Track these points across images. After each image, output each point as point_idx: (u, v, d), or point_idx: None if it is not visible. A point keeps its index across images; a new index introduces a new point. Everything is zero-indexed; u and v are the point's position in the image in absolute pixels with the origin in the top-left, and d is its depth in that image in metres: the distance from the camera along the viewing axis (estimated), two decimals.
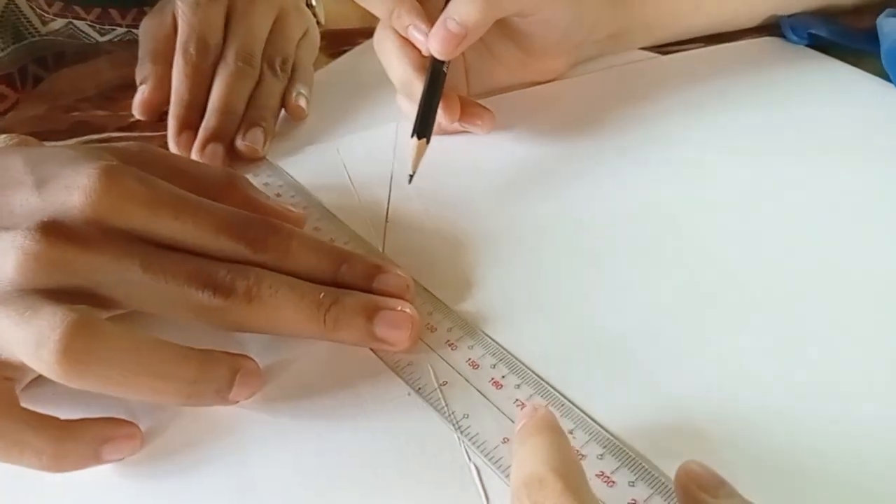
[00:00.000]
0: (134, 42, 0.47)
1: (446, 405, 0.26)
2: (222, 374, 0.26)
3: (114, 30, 0.53)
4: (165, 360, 0.25)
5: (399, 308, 0.28)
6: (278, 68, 0.43)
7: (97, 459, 0.25)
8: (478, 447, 0.25)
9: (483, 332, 0.29)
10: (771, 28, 0.48)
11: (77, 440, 0.25)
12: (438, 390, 0.27)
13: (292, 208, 0.33)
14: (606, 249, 0.32)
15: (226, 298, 0.26)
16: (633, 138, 0.39)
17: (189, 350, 0.25)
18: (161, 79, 0.43)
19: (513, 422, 0.25)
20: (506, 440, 0.25)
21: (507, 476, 0.24)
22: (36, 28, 0.51)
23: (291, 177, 0.39)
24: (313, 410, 0.27)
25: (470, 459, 0.25)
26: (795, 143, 0.38)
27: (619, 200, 0.35)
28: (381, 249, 0.33)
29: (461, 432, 0.25)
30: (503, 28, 0.37)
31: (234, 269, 0.27)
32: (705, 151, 0.38)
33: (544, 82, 0.44)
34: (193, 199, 0.28)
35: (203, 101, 0.41)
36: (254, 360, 0.27)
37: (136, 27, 0.48)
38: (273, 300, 0.27)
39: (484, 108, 0.39)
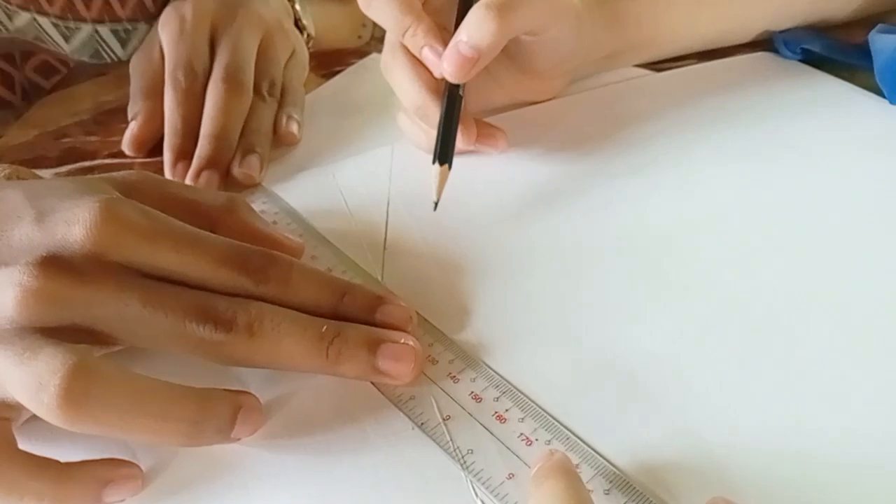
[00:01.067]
0: (113, 64, 0.47)
1: (451, 440, 0.26)
2: (223, 412, 0.25)
3: (79, 29, 0.51)
4: (165, 400, 0.24)
5: (402, 341, 0.28)
6: (266, 92, 0.43)
7: (99, 501, 0.25)
8: (483, 483, 0.25)
9: (485, 363, 0.29)
10: (764, 43, 0.49)
11: (78, 482, 0.25)
12: (442, 425, 0.26)
13: (291, 237, 0.33)
14: (607, 274, 0.32)
15: (227, 333, 0.26)
16: (630, 158, 0.39)
17: (189, 389, 0.25)
18: (151, 113, 0.42)
19: (517, 457, 0.25)
20: (511, 476, 0.25)
21: None
22: (3, 24, 0.49)
23: (287, 203, 0.38)
24: (316, 446, 0.26)
25: (477, 496, 0.24)
26: (791, 158, 0.39)
27: (619, 223, 0.35)
28: (379, 278, 0.33)
29: (466, 468, 0.25)
30: (504, 49, 0.37)
31: (235, 303, 0.27)
32: (702, 169, 0.38)
33: (540, 102, 0.44)
34: (193, 231, 0.28)
35: (197, 128, 0.40)
36: (255, 397, 0.27)
37: (101, 22, 0.48)
38: (275, 334, 0.27)
39: (497, 128, 0.39)
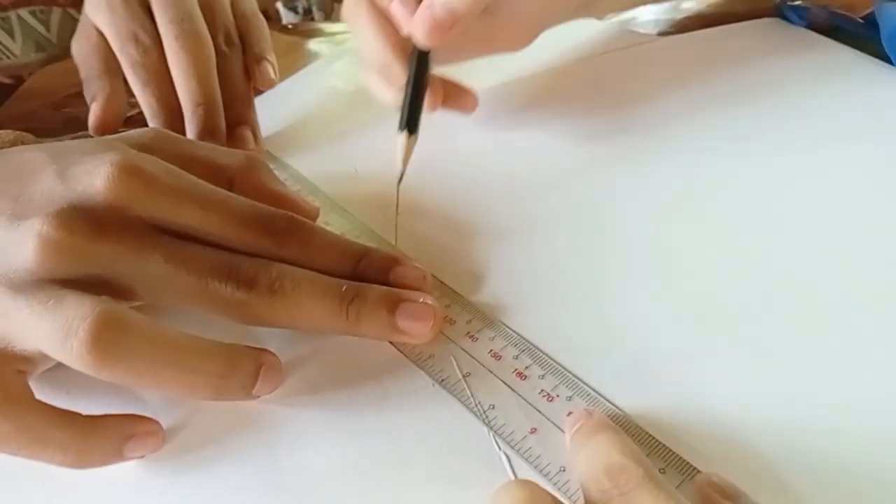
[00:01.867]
0: None
1: (472, 396, 0.26)
2: (248, 367, 0.26)
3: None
4: (194, 353, 0.25)
5: (421, 300, 0.28)
6: (223, 45, 0.40)
7: (120, 456, 0.25)
8: (505, 438, 0.25)
9: (503, 322, 0.29)
10: (771, 10, 0.48)
11: (100, 435, 0.25)
12: (463, 381, 0.27)
13: (306, 199, 0.32)
14: (620, 236, 0.32)
15: (248, 292, 0.26)
16: (639, 123, 0.39)
17: (217, 344, 0.25)
18: (111, 90, 0.40)
19: (539, 412, 0.25)
20: (534, 430, 0.25)
21: (537, 466, 0.24)
22: None
23: (295, 169, 0.38)
24: (337, 403, 0.27)
25: (500, 449, 0.24)
26: (800, 124, 0.38)
27: (631, 187, 0.35)
28: (393, 242, 0.33)
29: (488, 423, 0.25)
30: None
31: (257, 263, 0.27)
32: (711, 136, 0.38)
33: (511, 52, 0.41)
34: (217, 190, 0.28)
35: (174, 100, 0.38)
36: (275, 355, 0.27)
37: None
38: (295, 294, 0.27)
39: (466, 89, 0.37)
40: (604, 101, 0.41)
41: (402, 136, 0.33)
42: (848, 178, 0.35)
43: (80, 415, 0.25)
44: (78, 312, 0.23)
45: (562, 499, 0.21)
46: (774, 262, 0.30)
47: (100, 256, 0.25)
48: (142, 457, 0.25)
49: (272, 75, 0.41)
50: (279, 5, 1.03)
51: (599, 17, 0.46)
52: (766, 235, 0.32)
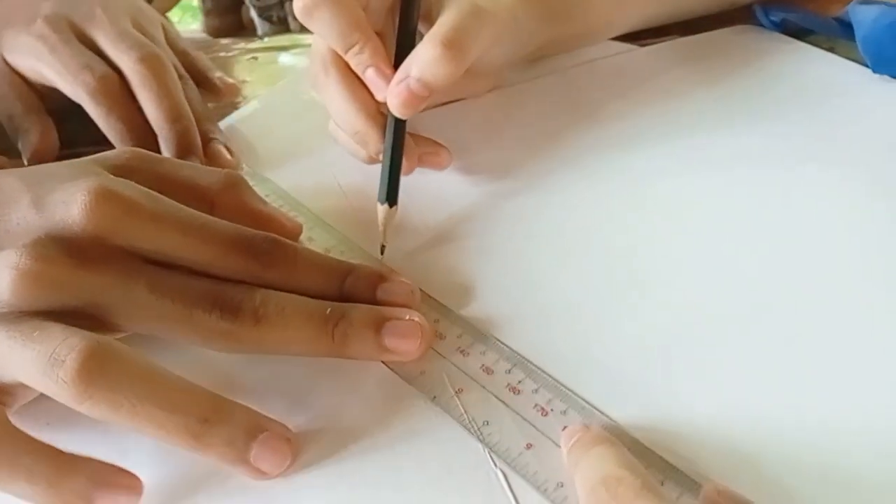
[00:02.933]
0: None
1: (465, 412, 0.26)
2: (239, 423, 0.24)
3: None
4: (176, 391, 0.24)
5: (407, 317, 0.28)
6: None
7: (87, 502, 0.23)
8: (501, 454, 0.25)
9: (494, 336, 0.28)
10: (744, 17, 0.49)
11: (74, 474, 0.23)
12: (455, 397, 0.26)
13: (289, 216, 0.32)
14: (607, 247, 0.32)
15: (233, 321, 0.26)
16: (623, 132, 0.39)
17: (206, 390, 0.24)
18: (45, 125, 0.40)
19: (535, 427, 0.25)
20: (529, 446, 0.25)
21: (534, 483, 0.24)
22: None
23: (276, 185, 0.38)
24: (328, 425, 0.26)
25: (496, 466, 0.24)
26: (780, 129, 0.39)
27: (616, 196, 0.35)
28: (379, 257, 0.33)
29: (483, 439, 0.25)
30: None
31: (241, 290, 0.26)
32: (691, 143, 0.38)
33: (477, 96, 0.41)
34: (197, 214, 0.27)
35: (142, 122, 0.38)
36: (287, 428, 0.25)
37: None
38: (280, 319, 0.26)
39: (438, 144, 0.36)
40: (587, 113, 0.41)
41: (385, 209, 0.32)
42: (833, 181, 0.35)
43: (57, 449, 0.24)
44: (65, 343, 0.23)
45: None
46: (761, 270, 0.31)
47: (81, 287, 0.25)
48: None
49: (229, 80, 0.42)
50: (253, 14, 1.02)
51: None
52: (754, 243, 0.32)
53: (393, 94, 0.32)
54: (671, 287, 0.30)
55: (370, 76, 0.33)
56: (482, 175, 0.37)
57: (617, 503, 0.20)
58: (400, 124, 0.33)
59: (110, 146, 0.39)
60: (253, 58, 0.50)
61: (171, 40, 0.44)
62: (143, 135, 0.38)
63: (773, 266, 0.31)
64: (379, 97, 0.33)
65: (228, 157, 0.39)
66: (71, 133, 0.42)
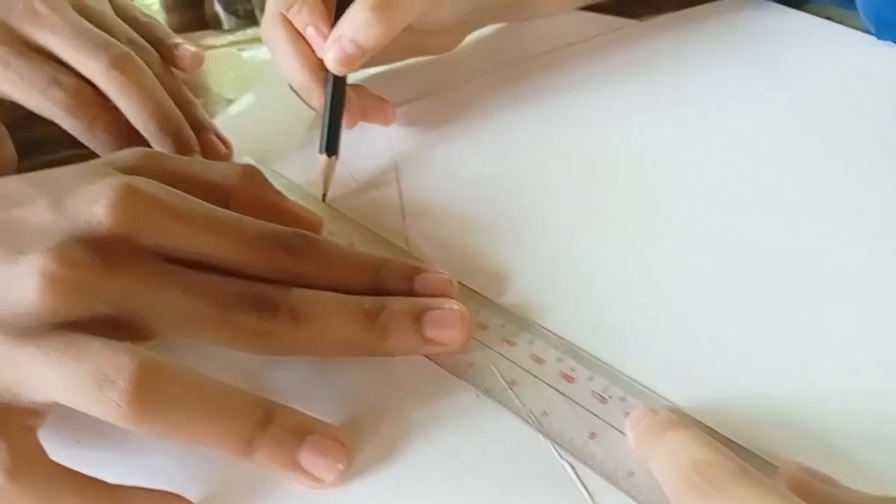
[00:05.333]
0: None
1: (521, 404, 0.25)
2: (287, 424, 0.23)
3: None
4: (230, 400, 0.22)
5: (446, 306, 0.27)
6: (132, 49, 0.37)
7: None
8: (564, 445, 0.24)
9: (538, 324, 0.28)
10: None
11: None
12: (509, 390, 0.25)
13: (308, 209, 0.31)
14: (645, 222, 0.32)
15: (272, 320, 0.24)
16: (634, 106, 0.38)
17: (252, 393, 0.23)
18: None
19: (595, 415, 0.24)
20: (592, 435, 0.24)
21: (603, 473, 0.23)
22: None
23: (288, 178, 0.36)
24: (381, 426, 0.25)
25: (561, 458, 0.23)
26: (784, 99, 0.39)
27: (652, 172, 0.34)
28: (405, 248, 0.32)
29: (544, 431, 0.24)
30: None
31: (276, 290, 0.25)
32: (699, 113, 0.38)
33: (440, 54, 0.42)
34: (225, 212, 0.26)
35: (124, 126, 0.35)
36: (336, 428, 0.24)
37: None
38: (319, 317, 0.25)
39: (382, 100, 0.38)
40: (599, 86, 0.40)
41: (324, 159, 0.34)
42: (844, 151, 0.35)
43: (102, 483, 0.22)
44: (112, 361, 0.21)
45: None
46: (803, 242, 0.30)
47: (111, 292, 0.23)
48: None
49: (193, 48, 0.40)
50: (218, 9, 0.99)
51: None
52: (786, 213, 0.32)
53: (328, 52, 0.34)
54: (718, 259, 0.30)
55: (310, 34, 0.35)
56: (502, 148, 0.36)
57: (714, 488, 0.19)
58: (338, 80, 0.35)
59: (85, 149, 0.37)
60: (240, 49, 0.48)
61: (120, 8, 0.40)
62: (131, 138, 0.35)
63: (810, 237, 0.30)
64: (319, 54, 0.35)
65: (223, 149, 0.37)
66: (30, 143, 0.39)
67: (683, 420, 0.23)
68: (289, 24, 0.36)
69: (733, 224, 0.31)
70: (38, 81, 0.35)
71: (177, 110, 0.36)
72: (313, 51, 0.35)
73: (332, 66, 0.34)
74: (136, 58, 0.36)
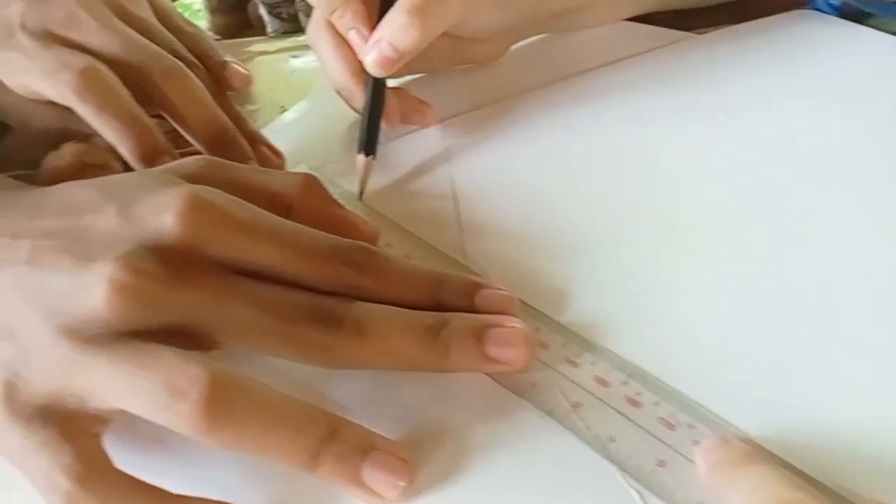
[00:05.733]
0: None
1: (587, 428, 0.24)
2: (350, 438, 0.23)
3: None
4: (298, 414, 0.23)
5: (509, 324, 0.26)
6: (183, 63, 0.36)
7: None
8: (632, 472, 0.23)
9: (601, 344, 0.27)
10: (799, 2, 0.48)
11: None
12: (573, 412, 0.25)
13: (366, 221, 0.30)
14: (708, 241, 0.31)
15: (336, 334, 0.24)
16: (694, 116, 0.38)
17: (318, 407, 0.23)
18: None
19: (663, 442, 0.24)
20: (661, 463, 0.23)
21: (672, 503, 0.22)
22: None
23: (342, 187, 0.36)
24: (442, 443, 0.25)
25: (630, 486, 0.23)
26: (844, 117, 0.38)
27: (711, 191, 0.33)
28: (462, 262, 0.31)
29: (610, 457, 0.23)
30: None
31: (340, 303, 0.25)
32: (758, 130, 0.37)
33: (485, 63, 0.43)
34: (289, 224, 0.26)
35: (137, 109, 0.34)
36: (398, 445, 0.24)
37: None
38: (382, 331, 0.25)
39: (423, 102, 0.39)
40: (658, 100, 0.39)
41: (362, 159, 0.35)
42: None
43: (165, 492, 0.22)
44: (185, 373, 0.21)
45: None
46: (876, 265, 0.29)
47: (177, 303, 0.23)
48: None
49: (244, 70, 0.40)
50: (263, 12, 1.00)
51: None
52: (857, 238, 0.30)
53: (367, 55, 0.34)
54: (790, 281, 0.29)
55: (352, 37, 0.36)
56: (562, 160, 0.36)
57: None
58: (378, 82, 0.36)
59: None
60: (294, 56, 0.48)
61: (163, 15, 0.40)
62: (143, 129, 0.34)
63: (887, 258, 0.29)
64: (360, 57, 0.36)
65: (275, 157, 0.37)
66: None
67: (760, 453, 0.22)
68: (333, 29, 0.37)
69: (813, 246, 0.30)
70: (53, 67, 0.34)
71: (229, 122, 0.36)
72: (356, 54, 0.36)
73: (371, 68, 0.35)
74: (186, 69, 0.36)
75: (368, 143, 0.35)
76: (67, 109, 0.34)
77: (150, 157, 0.33)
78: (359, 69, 0.36)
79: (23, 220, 0.25)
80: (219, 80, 0.39)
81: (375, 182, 0.36)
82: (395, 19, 0.34)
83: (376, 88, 0.36)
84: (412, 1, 0.33)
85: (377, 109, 0.36)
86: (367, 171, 0.35)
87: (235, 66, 0.40)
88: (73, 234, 0.24)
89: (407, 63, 0.39)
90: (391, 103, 0.37)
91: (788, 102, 0.39)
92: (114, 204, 0.24)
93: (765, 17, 0.46)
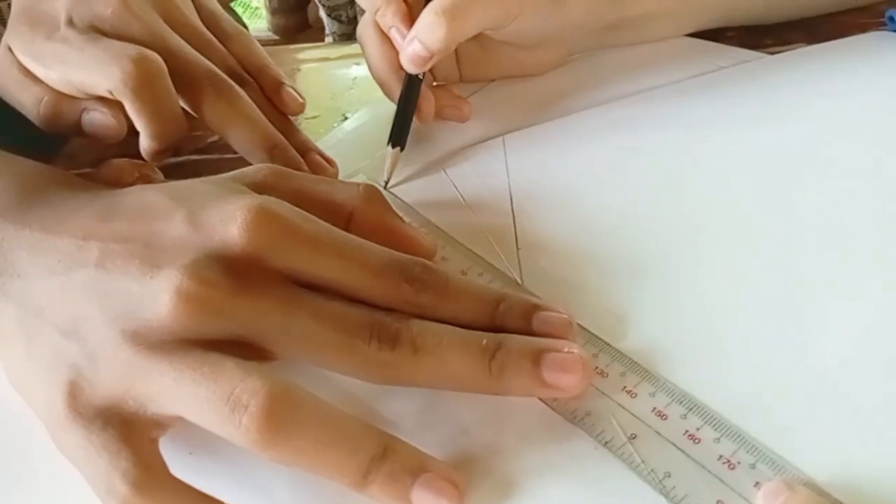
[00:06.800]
0: None
1: (643, 462, 0.24)
2: (402, 458, 0.23)
3: None
4: (353, 432, 0.22)
5: (566, 349, 0.26)
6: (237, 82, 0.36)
7: None
8: None
9: (661, 375, 0.26)
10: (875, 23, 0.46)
11: None
12: (629, 444, 0.24)
13: (425, 235, 0.30)
14: (779, 268, 0.30)
15: (392, 351, 0.24)
16: (763, 140, 0.37)
17: (371, 425, 0.23)
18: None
19: (722, 482, 0.23)
20: None
21: None
22: None
23: (400, 198, 0.36)
24: (493, 468, 0.24)
25: None
26: None
27: (779, 212, 0.32)
28: (518, 280, 0.31)
29: (667, 494, 0.23)
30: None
31: (397, 319, 0.25)
32: (827, 154, 0.35)
33: (540, 73, 0.43)
34: (351, 237, 0.26)
35: (178, 111, 0.34)
36: (450, 469, 0.23)
37: None
38: (438, 350, 0.25)
39: (460, 97, 0.40)
40: (723, 120, 0.38)
41: (389, 150, 0.37)
42: None
43: (219, 501, 0.22)
44: (245, 385, 0.21)
45: None
46: None
47: (242, 313, 0.23)
48: None
49: (299, 98, 0.39)
50: (322, 14, 1.01)
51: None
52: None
53: (402, 50, 0.36)
54: (860, 311, 0.28)
55: (393, 36, 0.37)
56: (620, 191, 0.35)
57: None
58: (412, 78, 0.37)
59: None
60: (356, 63, 0.49)
61: (209, 15, 0.39)
62: (178, 129, 0.34)
63: None
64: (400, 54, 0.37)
65: (328, 166, 0.37)
66: None
67: (825, 501, 0.21)
68: (377, 27, 0.38)
69: (884, 281, 0.29)
70: (105, 57, 0.33)
71: (279, 135, 0.36)
72: (396, 51, 0.37)
73: (405, 64, 0.36)
74: (237, 88, 0.35)
75: (398, 136, 0.37)
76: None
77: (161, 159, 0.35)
78: (397, 65, 0.37)
79: (93, 223, 0.25)
80: (275, 100, 0.38)
81: (431, 194, 0.36)
82: (424, 18, 0.35)
83: (409, 84, 0.37)
84: (441, 1, 0.34)
85: (409, 104, 0.37)
86: (395, 161, 0.37)
87: (290, 91, 0.39)
88: (142, 240, 0.24)
89: (461, 69, 0.42)
90: (427, 99, 0.38)
91: (864, 132, 0.37)
92: (182, 210, 0.25)
93: (838, 36, 0.45)
